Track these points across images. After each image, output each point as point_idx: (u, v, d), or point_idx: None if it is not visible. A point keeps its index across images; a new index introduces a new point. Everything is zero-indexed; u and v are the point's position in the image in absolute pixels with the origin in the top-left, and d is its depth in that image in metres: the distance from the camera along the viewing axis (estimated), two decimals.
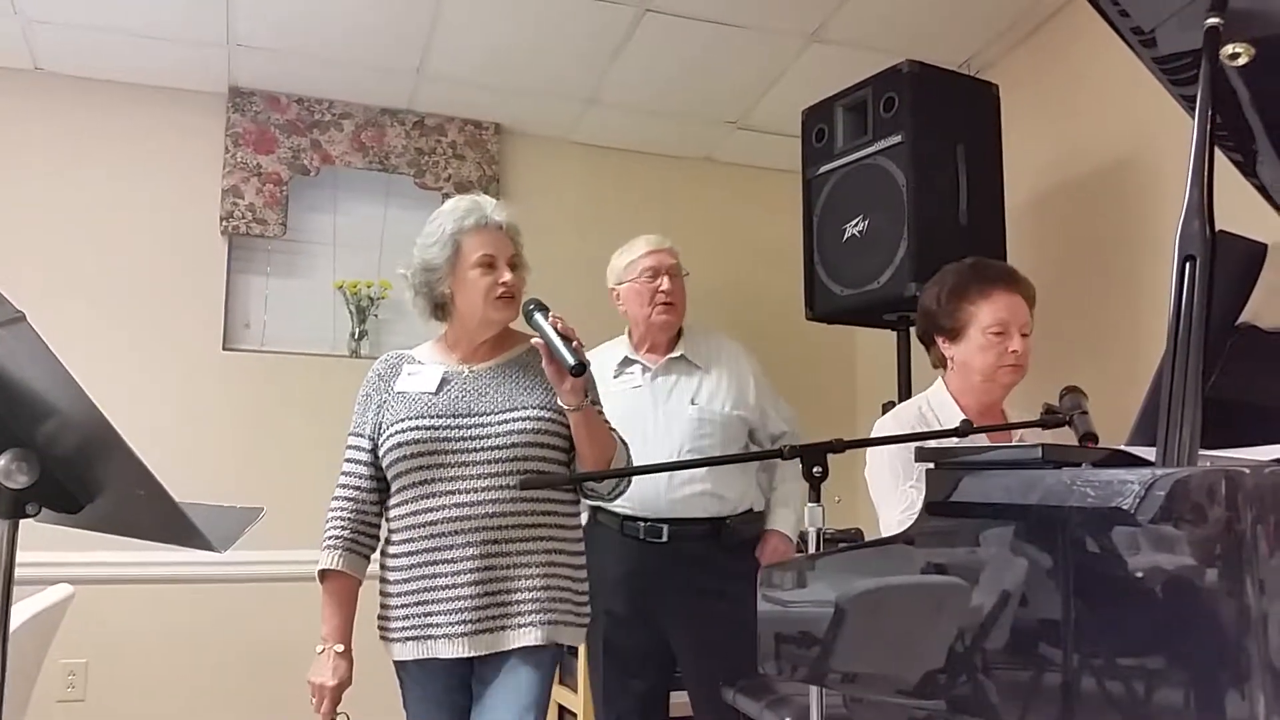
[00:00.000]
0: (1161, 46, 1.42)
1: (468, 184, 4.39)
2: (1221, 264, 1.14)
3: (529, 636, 2.04)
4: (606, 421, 2.20)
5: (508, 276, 2.16)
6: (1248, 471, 0.91)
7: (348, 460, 2.20)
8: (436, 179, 4.37)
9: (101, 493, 1.22)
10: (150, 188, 4.02)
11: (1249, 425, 1.28)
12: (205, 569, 3.73)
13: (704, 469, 2.58)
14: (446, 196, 4.32)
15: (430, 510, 2.08)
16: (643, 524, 2.61)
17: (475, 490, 2.06)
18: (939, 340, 2.36)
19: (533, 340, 2.07)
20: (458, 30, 3.72)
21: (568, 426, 2.13)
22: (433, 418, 2.11)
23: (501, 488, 2.07)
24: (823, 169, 3.44)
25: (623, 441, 2.23)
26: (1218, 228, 1.16)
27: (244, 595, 3.81)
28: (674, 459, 2.57)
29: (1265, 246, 1.47)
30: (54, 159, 3.93)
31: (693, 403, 2.66)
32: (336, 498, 2.18)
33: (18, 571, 1.25)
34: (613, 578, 2.69)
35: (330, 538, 2.14)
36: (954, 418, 2.25)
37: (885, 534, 2.17)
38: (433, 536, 2.07)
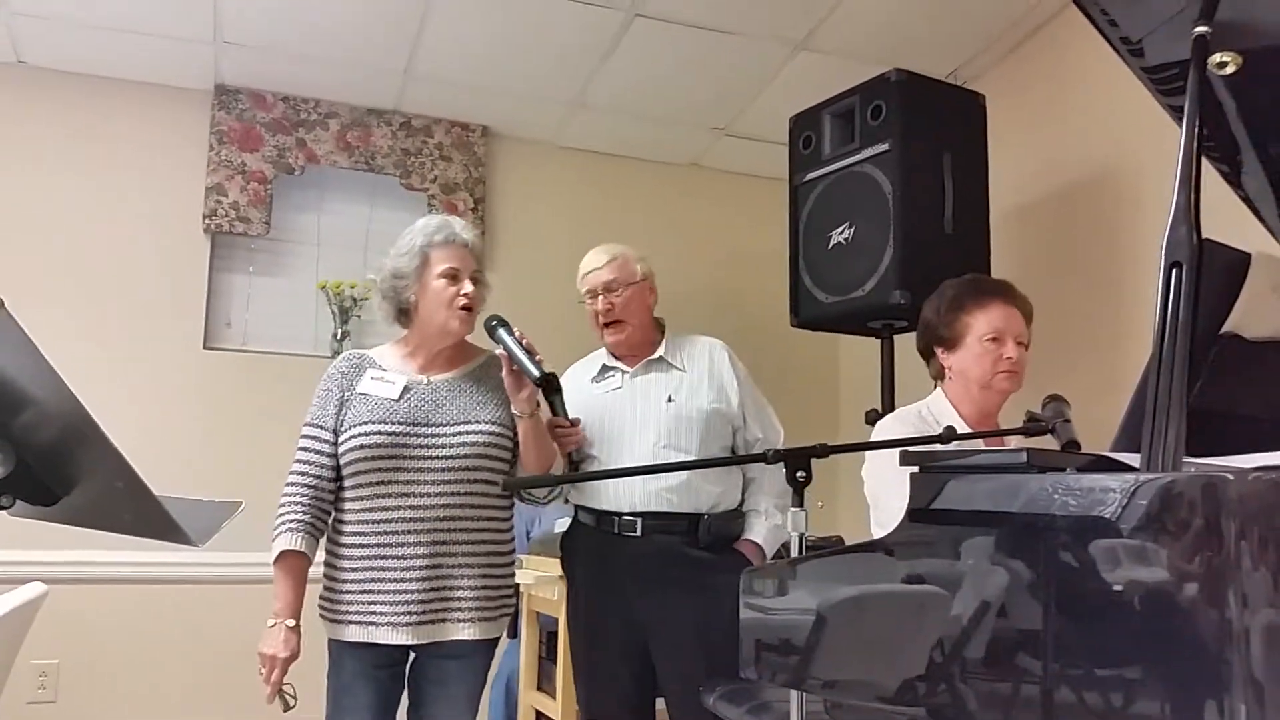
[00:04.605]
0: (1149, 56, 1.42)
1: (454, 185, 4.38)
2: (1206, 272, 1.15)
3: (467, 631, 2.25)
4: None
5: (469, 288, 2.33)
6: (1231, 478, 0.91)
7: (305, 450, 2.32)
8: (422, 180, 4.35)
9: (78, 485, 1.20)
10: (133, 184, 4.00)
11: (1231, 434, 1.28)
12: (180, 569, 3.70)
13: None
14: (432, 198, 4.35)
15: (385, 509, 2.24)
16: (617, 519, 2.61)
17: (429, 495, 2.24)
18: (938, 351, 2.41)
19: (497, 351, 2.31)
20: (446, 31, 3.71)
21: (514, 439, 2.35)
22: (394, 424, 2.26)
23: (453, 494, 2.26)
24: (809, 176, 3.45)
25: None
26: (1203, 236, 1.16)
27: (219, 596, 3.78)
28: (651, 455, 2.58)
29: (1249, 256, 1.48)
30: (36, 153, 3.90)
31: (670, 400, 2.66)
32: (293, 483, 2.29)
33: None
34: (592, 576, 2.69)
35: (292, 520, 2.25)
36: (952, 422, 2.27)
37: (886, 523, 2.17)
38: (385, 534, 2.23)
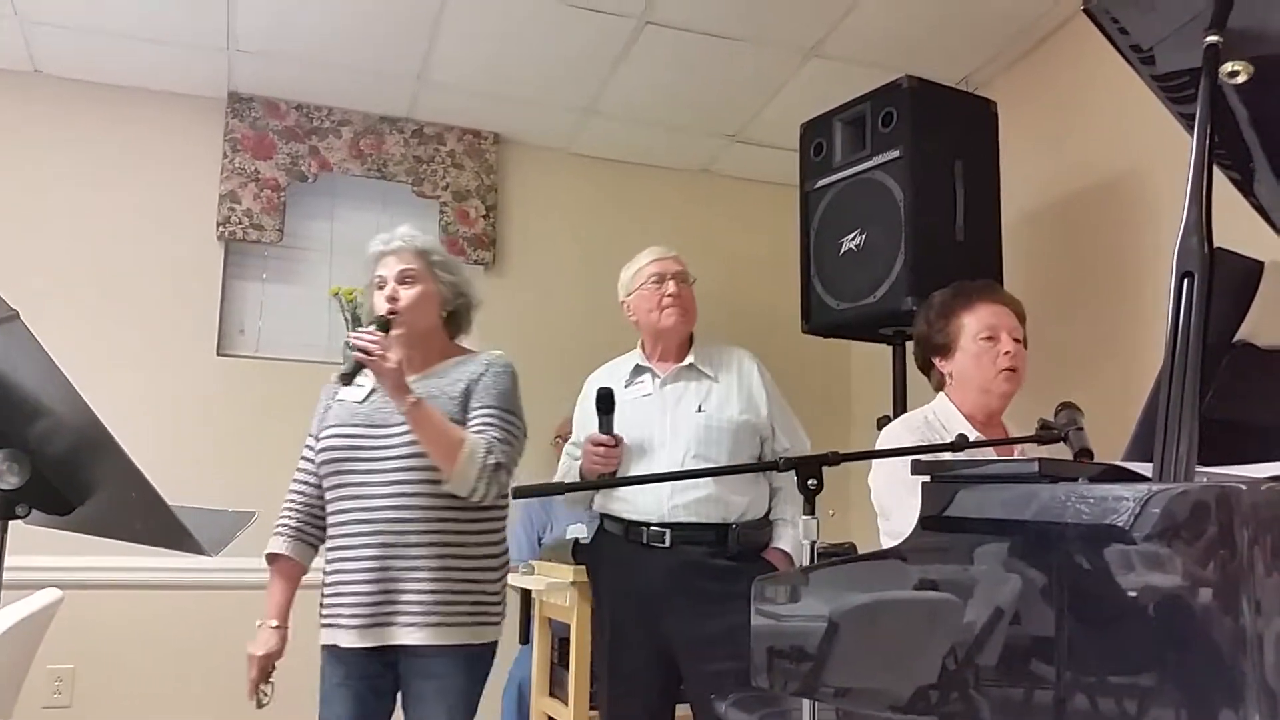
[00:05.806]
0: (1160, 65, 1.42)
1: (465, 193, 4.39)
2: (1218, 281, 1.14)
3: (414, 635, 2.19)
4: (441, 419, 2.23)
5: (390, 290, 2.34)
6: (1244, 488, 0.91)
7: (302, 458, 2.41)
8: (434, 188, 4.37)
9: (93, 495, 1.21)
10: (147, 192, 4.02)
11: (1243, 444, 1.27)
12: (195, 575, 3.71)
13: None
14: (444, 205, 4.36)
15: (343, 511, 2.27)
16: (645, 530, 2.60)
17: (378, 495, 2.23)
18: (936, 361, 2.40)
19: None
20: (458, 39, 3.72)
21: None
22: (352, 426, 2.31)
23: (402, 494, 2.23)
24: (820, 183, 3.44)
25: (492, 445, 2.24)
26: (1215, 245, 1.16)
27: (233, 602, 3.78)
28: (681, 465, 2.57)
29: (1262, 264, 1.47)
30: (51, 161, 3.93)
31: (700, 410, 2.66)
32: (290, 490, 2.39)
33: (5, 575, 1.23)
34: (618, 585, 2.68)
35: (280, 525, 2.35)
36: (959, 426, 2.26)
37: (894, 537, 2.17)
38: (343, 535, 2.26)
